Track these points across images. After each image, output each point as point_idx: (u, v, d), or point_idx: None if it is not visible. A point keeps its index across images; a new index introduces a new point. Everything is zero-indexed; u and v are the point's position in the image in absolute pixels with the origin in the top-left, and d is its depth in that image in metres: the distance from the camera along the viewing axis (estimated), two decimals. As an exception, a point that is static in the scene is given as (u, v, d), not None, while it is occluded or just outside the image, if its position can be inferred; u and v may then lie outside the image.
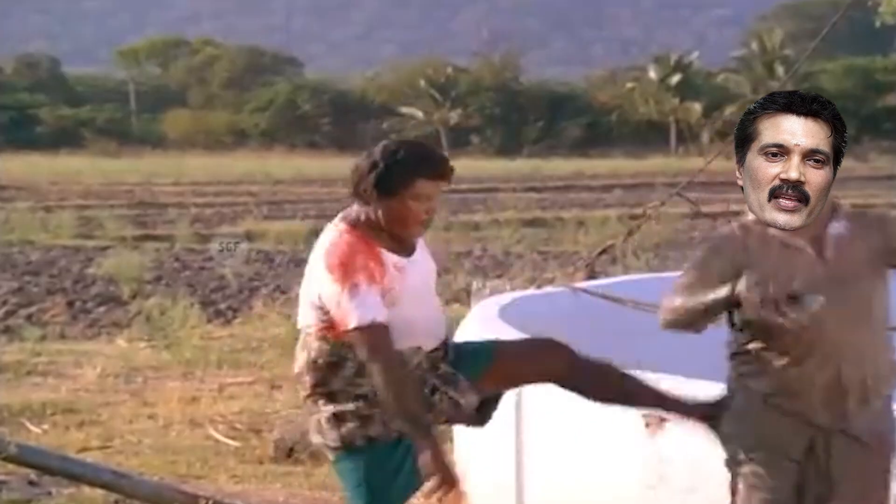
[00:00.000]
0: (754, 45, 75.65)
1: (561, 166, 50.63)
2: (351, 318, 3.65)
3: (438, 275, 4.14)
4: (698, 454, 4.25)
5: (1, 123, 69.70)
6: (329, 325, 3.75)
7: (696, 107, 71.68)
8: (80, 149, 65.33)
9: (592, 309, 6.15)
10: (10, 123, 70.01)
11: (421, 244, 3.96)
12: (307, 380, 3.84)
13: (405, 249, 3.85)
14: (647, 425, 4.22)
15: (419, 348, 3.84)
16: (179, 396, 8.61)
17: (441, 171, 3.78)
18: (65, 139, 68.11)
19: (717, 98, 71.59)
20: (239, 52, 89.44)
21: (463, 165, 54.99)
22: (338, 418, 3.80)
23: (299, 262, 19.00)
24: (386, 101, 75.76)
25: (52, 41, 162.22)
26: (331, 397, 3.81)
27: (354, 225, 3.79)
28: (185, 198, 33.73)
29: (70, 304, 14.18)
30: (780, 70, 68.72)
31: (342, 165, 50.93)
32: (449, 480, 3.58)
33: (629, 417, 4.27)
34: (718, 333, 5.77)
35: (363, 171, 3.76)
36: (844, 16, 7.12)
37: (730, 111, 67.54)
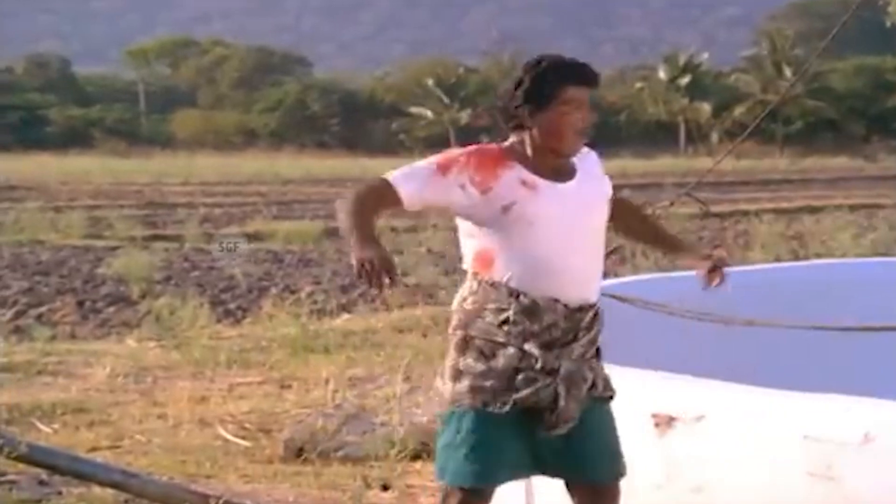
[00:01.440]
0: (764, 45, 75.59)
1: (570, 166, 50.34)
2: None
3: None
4: (706, 454, 4.25)
5: (11, 123, 69.90)
6: (477, 260, 3.67)
7: (706, 107, 71.69)
8: (90, 149, 65.53)
9: (601, 308, 6.14)
10: (20, 123, 70.23)
11: (591, 174, 3.77)
12: (452, 320, 3.73)
13: (555, 173, 3.66)
14: (657, 425, 4.22)
15: (556, 301, 3.61)
16: (189, 396, 8.61)
17: (586, 74, 3.66)
18: (74, 139, 68.31)
19: (727, 98, 71.58)
20: (248, 52, 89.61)
21: (472, 165, 55.00)
22: (458, 372, 3.67)
23: (308, 262, 19.14)
24: (395, 101, 75.84)
25: (61, 41, 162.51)
26: (463, 345, 3.67)
27: (500, 144, 3.70)
28: (195, 198, 33.75)
29: (80, 303, 14.18)
30: (789, 70, 68.64)
31: (351, 165, 50.88)
32: (371, 272, 3.38)
33: (638, 417, 4.27)
34: (726, 334, 5.78)
35: (509, 90, 3.66)
36: (854, 15, 7.10)
37: (739, 111, 67.52)
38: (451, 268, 16.61)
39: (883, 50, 68.81)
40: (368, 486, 6.30)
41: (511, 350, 3.60)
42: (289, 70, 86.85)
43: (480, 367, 3.63)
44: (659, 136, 70.85)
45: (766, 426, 4.33)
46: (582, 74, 3.65)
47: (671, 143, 70.23)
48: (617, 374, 4.11)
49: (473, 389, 3.63)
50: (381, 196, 3.59)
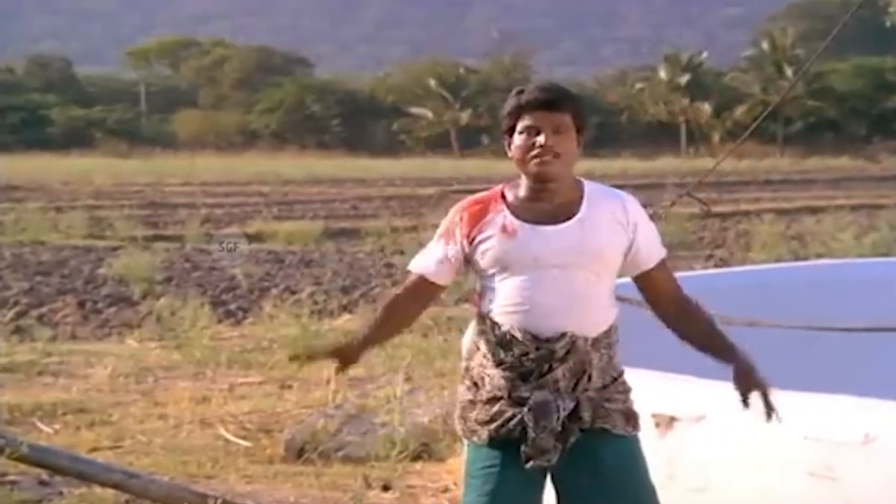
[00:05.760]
0: (765, 45, 75.60)
1: (571, 166, 50.37)
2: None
3: None
4: (708, 454, 4.25)
5: (12, 124, 69.94)
6: (474, 295, 3.72)
7: (706, 107, 71.69)
8: (91, 149, 65.56)
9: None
10: (21, 124, 70.26)
11: (600, 219, 3.60)
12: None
13: (541, 215, 3.58)
14: (657, 425, 4.22)
15: (526, 332, 3.54)
16: (190, 396, 8.63)
17: (526, 99, 3.54)
18: (76, 139, 68.35)
19: (728, 98, 71.60)
20: (249, 53, 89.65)
21: (473, 165, 54.27)
22: (457, 401, 3.72)
23: (309, 263, 19.15)
24: (396, 101, 75.85)
25: (62, 42, 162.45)
26: (463, 375, 3.73)
27: (501, 188, 3.68)
28: (196, 198, 33.74)
29: (81, 304, 14.19)
30: (790, 70, 68.65)
31: (352, 166, 50.65)
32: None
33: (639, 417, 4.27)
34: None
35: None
36: (855, 15, 7.10)
37: (740, 111, 67.56)
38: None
39: (883, 50, 68.85)
40: (369, 487, 6.30)
41: (493, 381, 3.60)
42: (290, 70, 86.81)
43: (469, 396, 3.65)
44: (660, 136, 70.85)
45: (767, 427, 4.33)
46: (521, 100, 3.57)
47: (672, 143, 70.21)
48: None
49: (461, 419, 3.68)
50: (413, 291, 3.74)
